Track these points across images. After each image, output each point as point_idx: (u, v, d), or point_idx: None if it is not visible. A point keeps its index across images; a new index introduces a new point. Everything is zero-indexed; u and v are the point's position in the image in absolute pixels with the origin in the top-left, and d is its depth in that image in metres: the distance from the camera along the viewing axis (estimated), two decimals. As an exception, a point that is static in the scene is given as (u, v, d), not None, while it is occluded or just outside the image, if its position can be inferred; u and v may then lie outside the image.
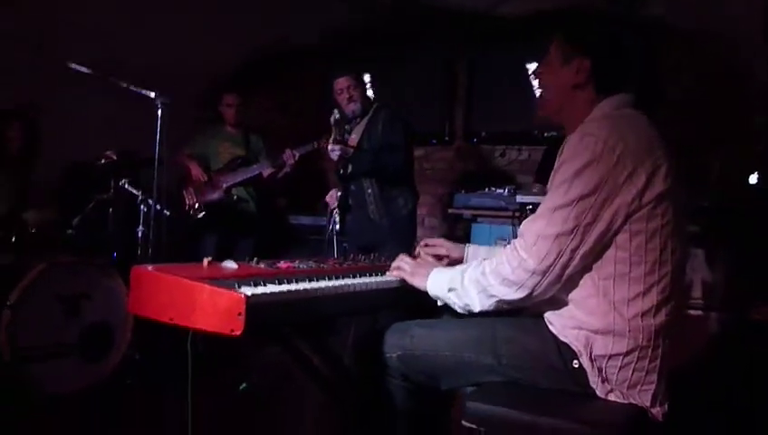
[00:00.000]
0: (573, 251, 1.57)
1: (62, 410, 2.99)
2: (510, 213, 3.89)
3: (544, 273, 1.59)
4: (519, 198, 3.78)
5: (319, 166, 5.77)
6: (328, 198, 3.84)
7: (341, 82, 3.75)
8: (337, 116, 3.59)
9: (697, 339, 3.18)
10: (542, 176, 3.97)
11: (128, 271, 3.39)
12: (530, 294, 1.62)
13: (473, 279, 1.71)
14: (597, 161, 1.53)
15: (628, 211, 1.54)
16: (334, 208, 3.72)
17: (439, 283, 1.82)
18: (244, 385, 3.33)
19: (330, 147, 3.61)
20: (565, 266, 1.58)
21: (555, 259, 1.57)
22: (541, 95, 1.88)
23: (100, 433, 2.85)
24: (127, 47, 4.25)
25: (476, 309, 1.72)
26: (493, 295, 1.67)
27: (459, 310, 1.77)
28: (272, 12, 4.68)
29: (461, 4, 4.59)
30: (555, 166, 1.64)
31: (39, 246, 3.53)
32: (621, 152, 1.53)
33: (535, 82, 2.11)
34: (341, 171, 3.69)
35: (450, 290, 1.77)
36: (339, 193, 3.75)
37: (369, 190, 3.67)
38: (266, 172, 4.52)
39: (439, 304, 1.85)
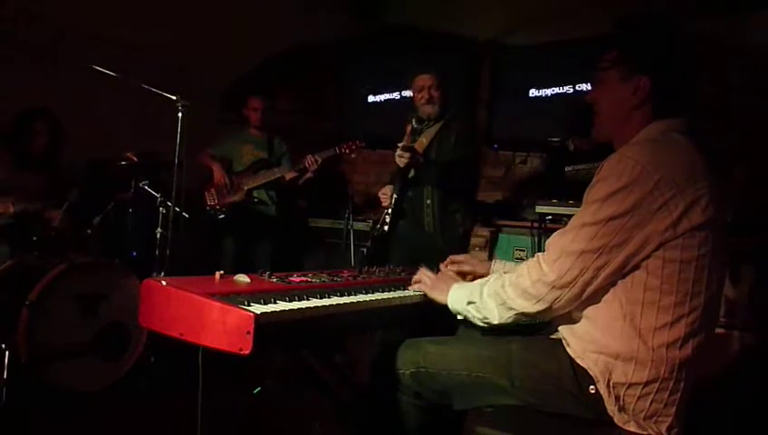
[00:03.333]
0: (597, 270, 1.52)
1: (76, 409, 3.02)
2: (529, 223, 3.82)
3: (564, 288, 1.56)
4: (538, 209, 3.72)
5: (339, 169, 5.76)
6: (381, 195, 3.55)
7: (424, 80, 3.48)
8: (415, 124, 3.40)
9: (718, 358, 3.11)
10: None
11: (146, 272, 3.46)
12: (549, 308, 1.60)
13: (492, 292, 1.69)
14: (633, 185, 1.47)
15: (662, 239, 1.48)
16: (387, 208, 3.44)
17: (459, 296, 1.80)
18: (258, 389, 3.33)
19: (398, 152, 3.27)
20: (587, 284, 1.55)
21: (577, 276, 1.54)
22: (595, 116, 1.75)
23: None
24: (150, 50, 4.27)
25: (495, 322, 1.69)
26: (512, 308, 1.65)
27: (478, 323, 1.75)
28: (291, 11, 4.66)
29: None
30: (591, 183, 1.57)
31: (60, 245, 3.57)
32: (660, 178, 1.46)
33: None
34: (406, 175, 3.46)
35: (470, 303, 1.75)
36: (394, 194, 3.45)
37: (429, 201, 3.45)
38: (288, 176, 4.53)
39: (459, 317, 1.82)
